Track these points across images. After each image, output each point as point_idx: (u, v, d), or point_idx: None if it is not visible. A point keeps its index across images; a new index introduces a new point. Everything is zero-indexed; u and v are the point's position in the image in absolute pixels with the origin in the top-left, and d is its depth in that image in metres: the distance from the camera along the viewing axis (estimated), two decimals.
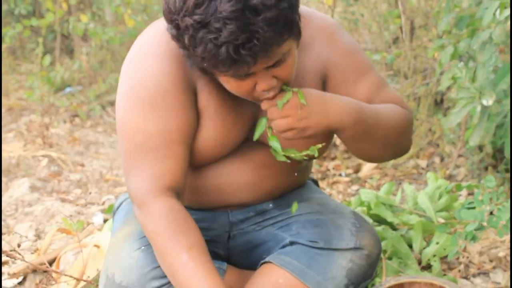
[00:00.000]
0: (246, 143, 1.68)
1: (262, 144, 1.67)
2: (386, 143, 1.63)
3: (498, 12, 1.98)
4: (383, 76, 1.75)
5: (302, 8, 1.65)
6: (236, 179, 1.69)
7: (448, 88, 3.08)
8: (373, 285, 1.85)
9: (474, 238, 1.67)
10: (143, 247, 1.60)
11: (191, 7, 1.31)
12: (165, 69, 1.53)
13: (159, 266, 1.56)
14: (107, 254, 1.67)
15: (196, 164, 1.64)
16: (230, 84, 1.46)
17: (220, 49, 1.31)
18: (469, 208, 1.72)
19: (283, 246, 1.72)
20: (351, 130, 1.52)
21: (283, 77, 1.45)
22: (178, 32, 1.36)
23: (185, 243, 1.47)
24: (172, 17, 1.36)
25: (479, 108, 2.18)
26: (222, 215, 1.77)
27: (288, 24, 1.37)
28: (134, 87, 1.55)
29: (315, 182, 2.00)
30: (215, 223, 1.76)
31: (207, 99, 1.57)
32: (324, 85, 1.66)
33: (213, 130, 1.60)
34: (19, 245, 2.03)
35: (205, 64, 1.38)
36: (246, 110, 1.62)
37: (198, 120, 1.59)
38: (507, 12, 1.90)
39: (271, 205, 1.79)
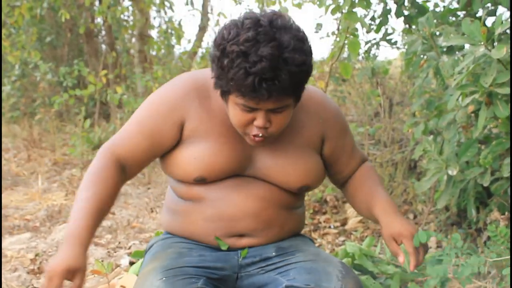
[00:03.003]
0: (246, 178, 1.74)
1: (260, 179, 1.75)
2: None
3: (460, 98, 2.02)
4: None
5: None
6: (242, 208, 1.71)
7: (421, 156, 3.10)
8: None
9: None
10: (164, 278, 1.60)
11: (241, 40, 1.47)
12: (176, 91, 1.72)
13: None
14: (135, 284, 1.67)
15: (190, 176, 1.72)
16: (235, 111, 1.59)
17: (248, 76, 1.47)
18: (438, 260, 1.73)
19: None
20: None
21: (276, 124, 1.60)
22: (221, 55, 1.51)
23: (92, 192, 1.61)
24: (221, 42, 1.52)
25: (445, 177, 2.19)
26: (233, 258, 1.77)
27: (299, 84, 1.55)
28: (152, 97, 1.77)
29: (311, 240, 2.01)
30: (227, 264, 1.75)
31: (196, 125, 1.70)
32: (323, 140, 1.81)
33: (201, 149, 1.69)
34: None
35: (230, 84, 1.52)
36: (233, 140, 1.71)
37: (183, 142, 1.72)
38: (468, 100, 1.93)
39: (273, 253, 1.79)
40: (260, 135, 1.60)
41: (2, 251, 2.88)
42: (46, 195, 3.89)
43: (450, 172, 2.13)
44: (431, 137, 2.56)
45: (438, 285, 1.79)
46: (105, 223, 3.33)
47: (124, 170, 1.71)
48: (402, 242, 1.68)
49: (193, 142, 1.71)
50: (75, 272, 1.50)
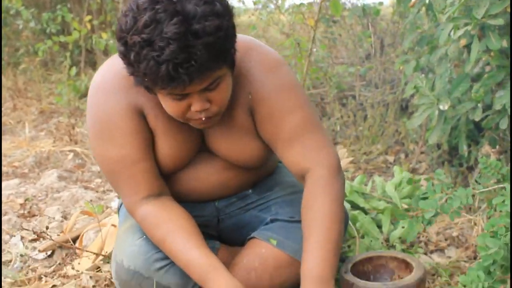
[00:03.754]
0: (205, 151, 1.66)
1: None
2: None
3: (452, 32, 2.00)
4: (316, 119, 1.60)
5: (250, 40, 1.60)
6: (206, 181, 1.68)
7: (412, 95, 3.09)
8: (347, 257, 1.86)
9: (430, 223, 1.69)
10: (144, 236, 1.60)
11: (140, 27, 1.28)
12: (112, 104, 1.51)
13: (160, 251, 1.57)
14: (115, 244, 1.66)
15: (164, 173, 1.63)
16: (167, 103, 1.42)
17: (161, 66, 1.28)
18: (424, 198, 1.73)
19: (266, 224, 1.72)
20: None
21: (216, 101, 1.42)
22: (126, 49, 1.32)
23: (162, 233, 1.52)
24: (122, 35, 1.32)
25: (437, 112, 2.19)
26: (209, 204, 1.77)
27: (223, 52, 1.34)
28: (92, 123, 1.56)
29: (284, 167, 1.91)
30: (204, 211, 1.75)
31: (154, 122, 1.55)
32: (252, 117, 1.59)
33: (165, 147, 1.58)
34: (47, 227, 2.02)
35: (146, 80, 1.34)
36: (186, 128, 1.57)
37: (153, 137, 1.58)
38: (460, 32, 1.92)
39: (250, 191, 1.79)
40: (204, 118, 1.43)
41: None
42: (33, 143, 3.87)
43: (441, 107, 2.13)
44: (423, 75, 2.55)
45: (425, 222, 1.81)
46: (94, 168, 3.33)
47: (161, 193, 1.60)
48: None
49: (156, 141, 1.58)
50: None
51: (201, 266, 1.47)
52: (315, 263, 1.46)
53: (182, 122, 1.52)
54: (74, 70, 5.16)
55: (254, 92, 1.54)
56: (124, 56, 1.34)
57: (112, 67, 1.54)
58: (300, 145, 1.55)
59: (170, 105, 1.42)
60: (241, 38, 1.48)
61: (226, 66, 1.39)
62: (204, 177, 1.67)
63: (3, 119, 4.78)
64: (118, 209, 1.89)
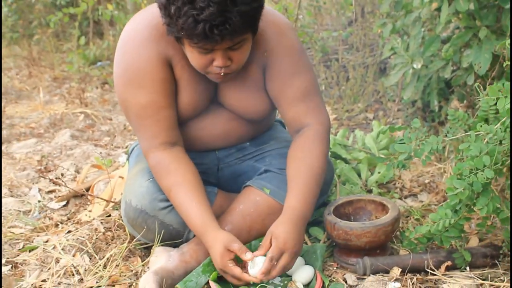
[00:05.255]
0: (214, 103, 1.67)
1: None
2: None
3: None
4: (317, 83, 1.66)
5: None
6: (210, 131, 1.69)
7: (389, 57, 3.08)
8: (329, 201, 1.88)
9: (404, 166, 1.68)
10: (151, 179, 1.61)
11: None
12: (144, 54, 1.51)
13: None
14: (125, 186, 1.68)
15: (179, 121, 1.64)
16: (193, 55, 1.44)
17: (198, 24, 1.31)
18: (400, 143, 1.73)
19: (260, 174, 1.73)
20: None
21: (236, 60, 1.45)
22: (167, 2, 1.34)
23: (169, 183, 1.53)
24: None
25: (411, 71, 2.19)
26: (210, 153, 1.77)
27: (253, 20, 1.39)
28: (123, 70, 1.54)
29: (282, 124, 1.99)
30: (205, 159, 1.76)
31: (180, 72, 1.56)
32: (264, 72, 1.61)
33: (186, 97, 1.59)
34: (62, 174, 2.02)
35: (181, 34, 1.36)
36: (211, 80, 1.58)
37: (176, 87, 1.58)
38: None
39: (248, 143, 1.80)
40: (223, 73, 1.46)
41: (11, 154, 2.89)
42: (48, 106, 3.86)
43: (415, 66, 2.13)
44: (399, 39, 2.53)
45: (400, 165, 1.82)
46: (104, 127, 3.33)
47: (176, 142, 1.59)
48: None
49: (178, 91, 1.58)
50: (231, 249, 1.44)
51: (197, 222, 1.50)
52: (297, 202, 1.53)
53: (202, 75, 1.54)
54: (83, 40, 5.09)
55: (270, 50, 1.57)
56: (165, 8, 1.36)
57: (144, 19, 1.54)
58: (303, 105, 1.60)
59: (195, 57, 1.44)
60: None
61: (252, 32, 1.44)
62: (210, 127, 1.68)
63: (20, 85, 4.75)
64: (129, 155, 1.90)
